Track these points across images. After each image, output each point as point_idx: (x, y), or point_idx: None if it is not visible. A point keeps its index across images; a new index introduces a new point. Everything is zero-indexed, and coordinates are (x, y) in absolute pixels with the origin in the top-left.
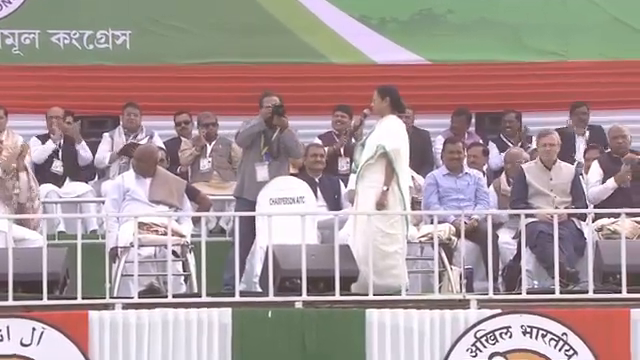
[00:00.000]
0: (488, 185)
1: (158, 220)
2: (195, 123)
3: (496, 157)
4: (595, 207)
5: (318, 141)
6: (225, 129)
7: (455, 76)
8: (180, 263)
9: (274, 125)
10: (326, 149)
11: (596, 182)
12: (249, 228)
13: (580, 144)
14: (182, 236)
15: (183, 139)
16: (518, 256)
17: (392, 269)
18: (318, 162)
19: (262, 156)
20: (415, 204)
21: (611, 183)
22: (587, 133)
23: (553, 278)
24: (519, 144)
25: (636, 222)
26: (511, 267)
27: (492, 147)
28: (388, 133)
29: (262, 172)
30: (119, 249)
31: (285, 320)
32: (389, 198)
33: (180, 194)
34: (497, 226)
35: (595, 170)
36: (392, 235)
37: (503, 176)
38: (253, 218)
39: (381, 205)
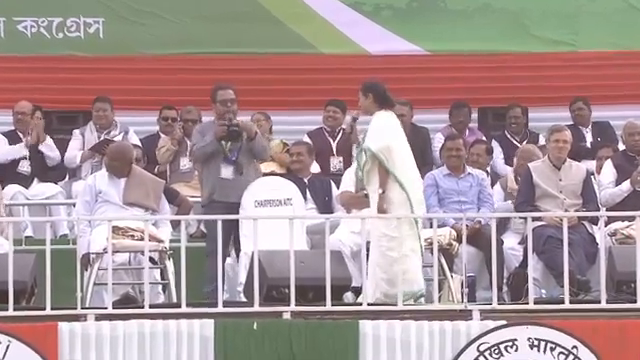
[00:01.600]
0: (493, 185)
1: (134, 224)
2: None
3: (502, 161)
4: (608, 210)
5: (307, 138)
6: None
7: (455, 67)
8: (158, 270)
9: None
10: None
11: (609, 183)
12: (225, 231)
13: None
14: (160, 241)
15: (162, 136)
16: (524, 263)
17: (404, 274)
18: (295, 162)
19: (228, 155)
20: None
21: (626, 186)
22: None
23: (562, 287)
24: (524, 142)
25: None
26: (517, 275)
27: (495, 145)
28: (371, 133)
29: (226, 171)
30: (91, 255)
31: (272, 332)
32: (391, 198)
33: (157, 195)
34: (502, 230)
35: (608, 170)
36: (397, 238)
37: (510, 174)
38: (228, 221)
39: (381, 211)
